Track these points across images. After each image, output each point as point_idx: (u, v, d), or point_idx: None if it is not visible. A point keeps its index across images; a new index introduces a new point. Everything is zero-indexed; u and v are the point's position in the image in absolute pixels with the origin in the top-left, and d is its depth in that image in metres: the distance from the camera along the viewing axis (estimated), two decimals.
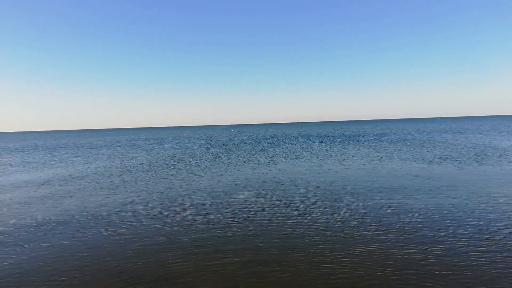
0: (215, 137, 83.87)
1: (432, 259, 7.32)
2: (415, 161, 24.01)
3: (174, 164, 26.90)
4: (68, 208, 13.34)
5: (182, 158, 32.20)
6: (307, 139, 58.03)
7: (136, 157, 34.49)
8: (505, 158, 23.97)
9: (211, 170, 22.66)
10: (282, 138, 66.89)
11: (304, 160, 26.71)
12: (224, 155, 33.35)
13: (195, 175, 20.91)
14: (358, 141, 48.84)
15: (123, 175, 21.81)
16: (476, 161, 22.74)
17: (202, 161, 28.86)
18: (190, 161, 28.81)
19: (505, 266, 6.91)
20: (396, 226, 9.62)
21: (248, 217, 11.12)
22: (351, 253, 7.80)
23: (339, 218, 10.59)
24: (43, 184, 19.61)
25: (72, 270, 7.38)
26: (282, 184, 16.89)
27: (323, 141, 51.75)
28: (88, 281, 6.80)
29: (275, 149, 38.89)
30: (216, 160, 29.28)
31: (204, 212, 11.95)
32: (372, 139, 51.32)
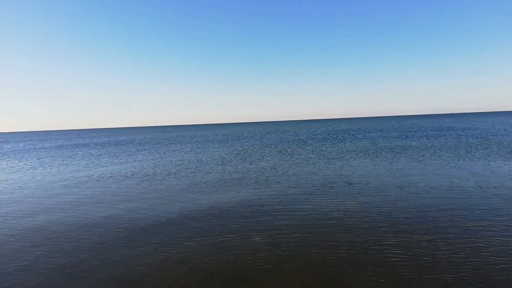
0: (288, 132, 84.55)
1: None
2: None
3: (247, 158, 28.22)
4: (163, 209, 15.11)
5: (256, 153, 33.46)
6: (381, 135, 55.61)
7: (214, 152, 36.73)
8: None
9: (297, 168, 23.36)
10: (348, 132, 65.05)
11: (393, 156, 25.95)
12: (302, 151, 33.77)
13: (278, 173, 21.84)
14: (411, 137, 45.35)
15: (209, 170, 23.67)
16: None
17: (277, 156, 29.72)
18: (265, 157, 29.92)
19: None
20: None
21: (324, 218, 11.55)
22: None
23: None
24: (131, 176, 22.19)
25: (155, 269, 8.58)
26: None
27: (400, 136, 49.18)
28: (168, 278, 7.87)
29: (347, 145, 38.18)
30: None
31: (279, 211, 12.63)
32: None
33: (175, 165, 25.88)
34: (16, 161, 34.24)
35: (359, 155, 27.52)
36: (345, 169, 20.49)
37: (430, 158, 23.66)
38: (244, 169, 22.05)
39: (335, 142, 43.77)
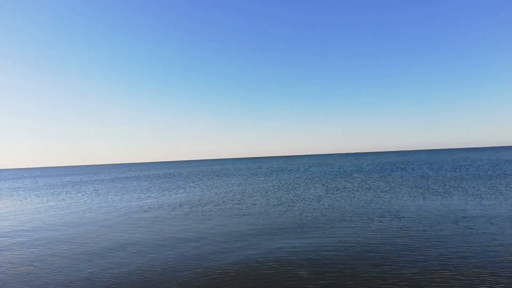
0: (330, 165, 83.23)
1: None
2: None
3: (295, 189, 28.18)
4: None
5: (299, 184, 33.35)
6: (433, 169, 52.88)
7: (256, 184, 37.11)
8: None
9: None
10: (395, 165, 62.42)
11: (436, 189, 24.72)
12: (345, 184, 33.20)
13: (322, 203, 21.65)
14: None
15: (256, 200, 24.01)
16: None
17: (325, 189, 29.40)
18: (308, 189, 29.74)
19: None
20: None
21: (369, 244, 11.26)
22: None
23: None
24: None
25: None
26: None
27: (452, 169, 46.46)
28: None
29: (395, 178, 36.75)
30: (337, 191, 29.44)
31: (325, 243, 12.50)
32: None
33: (221, 196, 26.47)
34: (74, 192, 36.97)
35: (408, 188, 26.36)
36: (394, 202, 19.74)
37: (488, 192, 22.10)
38: (288, 202, 22.01)
39: (383, 175, 42.30)
